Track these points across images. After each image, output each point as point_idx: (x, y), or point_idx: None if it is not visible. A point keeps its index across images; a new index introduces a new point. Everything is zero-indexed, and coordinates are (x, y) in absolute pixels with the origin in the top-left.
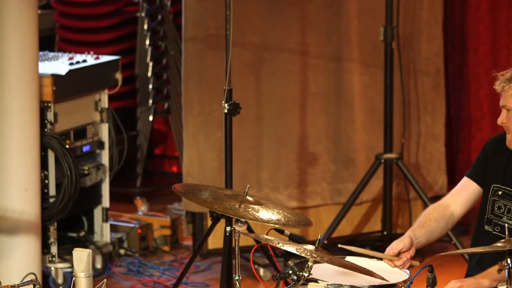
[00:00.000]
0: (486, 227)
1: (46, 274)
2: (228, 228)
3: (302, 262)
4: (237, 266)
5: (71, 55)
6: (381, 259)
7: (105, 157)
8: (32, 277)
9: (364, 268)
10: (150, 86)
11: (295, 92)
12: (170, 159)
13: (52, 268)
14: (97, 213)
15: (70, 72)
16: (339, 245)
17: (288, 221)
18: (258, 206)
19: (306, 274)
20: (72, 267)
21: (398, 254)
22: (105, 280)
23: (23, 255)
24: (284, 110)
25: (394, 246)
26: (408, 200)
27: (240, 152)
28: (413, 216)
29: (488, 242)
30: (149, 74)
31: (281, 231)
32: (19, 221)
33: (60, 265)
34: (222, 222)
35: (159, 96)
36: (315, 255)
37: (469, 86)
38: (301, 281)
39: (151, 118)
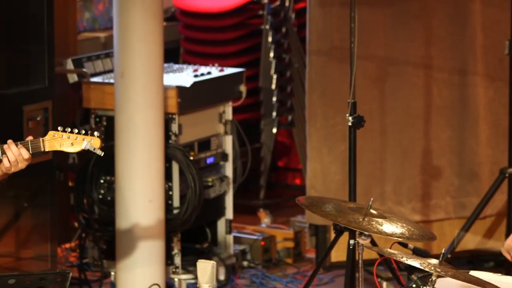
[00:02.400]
0: None
1: (169, 285)
2: (351, 241)
3: (425, 276)
4: (360, 279)
5: (195, 67)
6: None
7: (229, 169)
8: None
9: (489, 283)
10: (274, 99)
11: (419, 106)
12: (293, 172)
13: (176, 279)
14: (221, 224)
15: (194, 84)
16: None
17: (412, 234)
18: (382, 219)
19: None
20: (195, 278)
21: None
22: None
23: (147, 266)
24: (408, 124)
25: None
26: None
27: (363, 165)
28: None
29: None
30: (273, 86)
31: (404, 245)
32: (144, 232)
33: (183, 276)
34: (346, 235)
35: (283, 109)
36: (439, 269)
37: None
38: None
39: (274, 130)
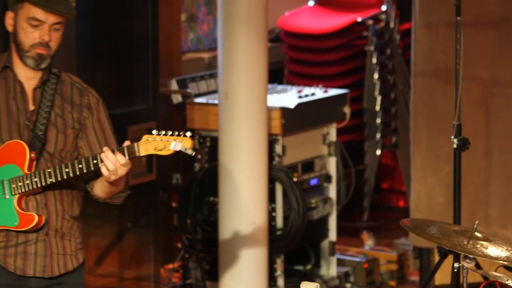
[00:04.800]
0: None
1: None
2: (456, 264)
3: None
4: None
5: (299, 88)
6: None
7: (332, 191)
8: None
9: None
10: (378, 120)
11: None
12: (397, 194)
13: None
14: (324, 246)
15: (298, 105)
16: None
17: None
18: (487, 242)
19: None
20: None
21: None
22: None
23: (250, 287)
24: None
25: None
26: None
27: (468, 188)
28: None
29: None
30: (377, 108)
31: (510, 268)
32: (247, 253)
33: None
34: (450, 258)
35: (387, 130)
36: None
37: None
38: None
39: (378, 152)
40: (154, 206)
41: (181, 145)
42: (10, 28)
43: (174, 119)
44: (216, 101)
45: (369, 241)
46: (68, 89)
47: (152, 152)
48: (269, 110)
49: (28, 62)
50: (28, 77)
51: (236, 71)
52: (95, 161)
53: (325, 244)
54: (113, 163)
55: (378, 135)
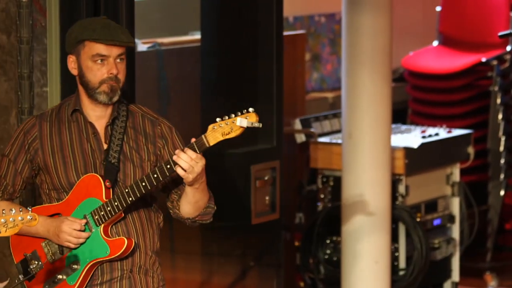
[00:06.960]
0: None
1: None
2: None
3: None
4: None
5: (423, 128)
6: None
7: (455, 231)
8: None
9: None
10: (502, 161)
11: None
12: None
13: None
14: (447, 287)
15: (422, 145)
16: None
17: None
18: None
19: None
20: None
21: None
22: None
23: None
24: None
25: None
26: None
27: None
28: None
29: None
30: (501, 148)
31: None
32: None
33: None
34: None
35: (511, 171)
36: None
37: None
38: None
39: (502, 192)
40: (277, 245)
41: (247, 120)
42: (74, 71)
43: (298, 159)
44: (339, 141)
45: (492, 282)
46: (139, 120)
47: (221, 138)
48: (393, 150)
49: (100, 98)
50: (98, 116)
51: (360, 111)
52: (168, 166)
53: (448, 284)
54: (187, 161)
55: (502, 176)
